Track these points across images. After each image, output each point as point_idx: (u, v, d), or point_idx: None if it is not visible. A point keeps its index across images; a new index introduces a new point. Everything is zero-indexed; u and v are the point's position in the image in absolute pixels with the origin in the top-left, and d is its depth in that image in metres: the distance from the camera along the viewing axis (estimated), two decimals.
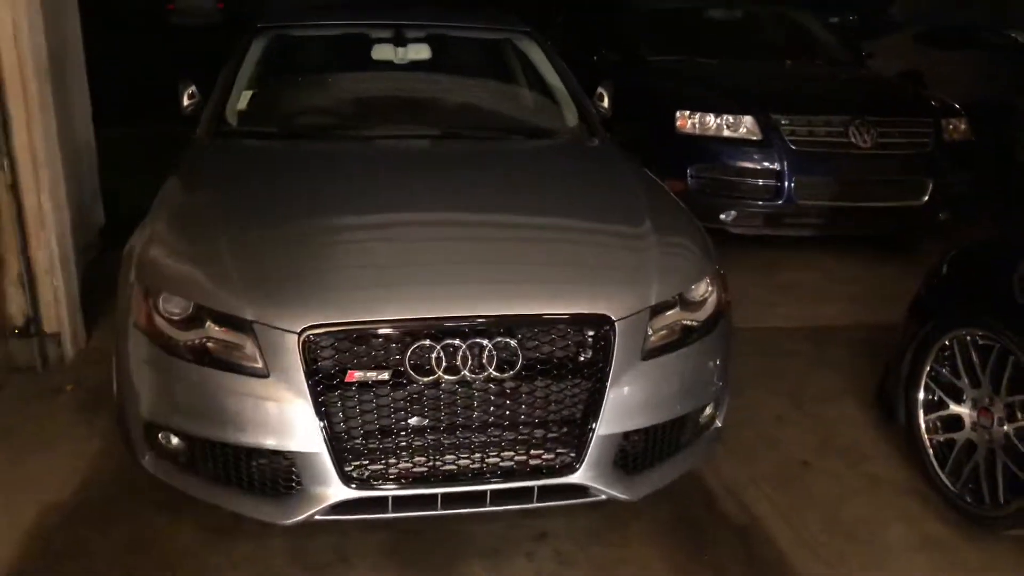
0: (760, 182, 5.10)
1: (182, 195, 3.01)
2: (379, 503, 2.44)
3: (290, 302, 2.41)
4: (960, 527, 2.98)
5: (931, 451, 3.19)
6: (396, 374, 2.38)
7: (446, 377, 2.37)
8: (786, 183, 5.05)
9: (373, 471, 2.42)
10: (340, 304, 2.40)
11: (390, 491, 2.43)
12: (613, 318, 2.48)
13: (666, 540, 2.88)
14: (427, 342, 2.37)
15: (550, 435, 2.49)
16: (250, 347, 2.38)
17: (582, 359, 2.47)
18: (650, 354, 2.55)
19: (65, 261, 3.79)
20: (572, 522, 2.91)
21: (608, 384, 2.46)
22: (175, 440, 2.54)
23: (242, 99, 3.67)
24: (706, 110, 5.21)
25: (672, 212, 3.11)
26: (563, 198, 3.14)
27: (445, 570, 2.71)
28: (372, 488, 2.41)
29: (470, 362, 2.37)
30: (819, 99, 5.37)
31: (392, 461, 2.43)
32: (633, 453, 2.60)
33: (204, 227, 2.75)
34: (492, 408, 2.44)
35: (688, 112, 5.23)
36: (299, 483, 2.43)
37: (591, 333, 2.47)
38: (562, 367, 2.46)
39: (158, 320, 2.48)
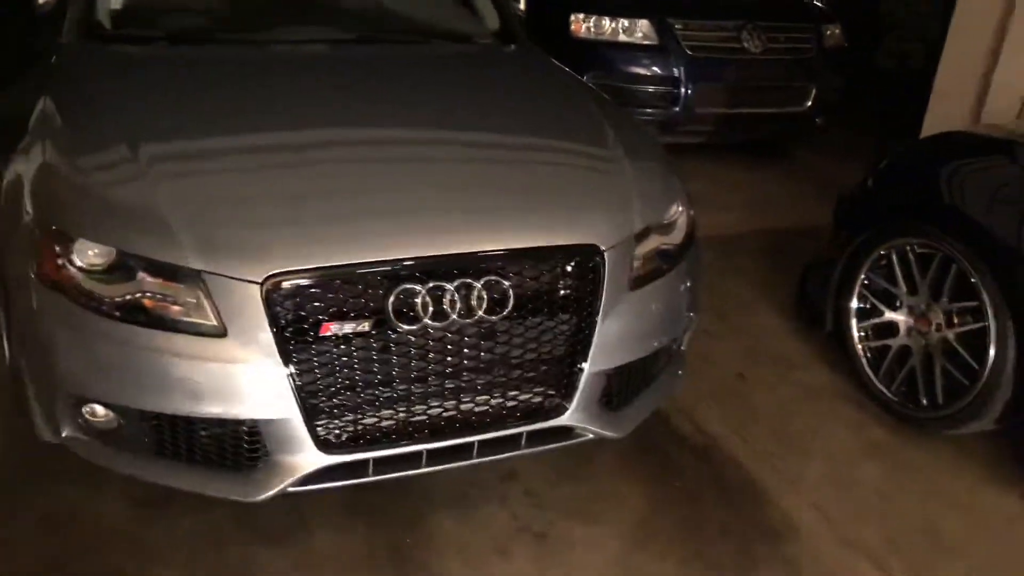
0: (658, 88, 4.99)
1: (70, 113, 2.46)
2: (358, 467, 2.17)
3: (248, 246, 2.04)
4: (899, 431, 3.09)
5: (864, 358, 3.27)
6: (377, 323, 2.09)
7: (432, 323, 2.11)
8: (683, 89, 4.96)
9: (350, 433, 2.15)
10: (310, 245, 2.06)
11: (371, 453, 2.16)
12: (602, 247, 2.29)
13: (635, 470, 2.81)
14: (413, 285, 2.08)
15: (538, 377, 2.30)
16: (200, 302, 2.01)
17: (571, 294, 2.28)
18: (636, 283, 2.39)
19: None
20: (537, 460, 2.76)
21: (598, 319, 2.29)
22: (102, 412, 2.14)
23: None
24: (601, 13, 4.99)
25: (632, 129, 2.91)
26: (520, 113, 2.85)
27: (415, 525, 2.51)
28: (351, 451, 2.14)
29: (458, 305, 2.12)
30: (711, 4, 5.28)
31: (371, 420, 2.16)
32: (617, 389, 2.46)
33: (114, 154, 2.27)
34: (478, 353, 2.21)
35: (583, 15, 5.00)
36: (266, 453, 2.11)
37: (580, 265, 2.28)
38: (552, 304, 2.26)
39: (73, 272, 2.04)
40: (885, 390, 3.18)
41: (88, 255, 2.04)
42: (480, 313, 2.14)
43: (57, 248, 2.05)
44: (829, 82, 5.41)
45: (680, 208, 2.61)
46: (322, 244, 2.07)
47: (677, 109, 5.02)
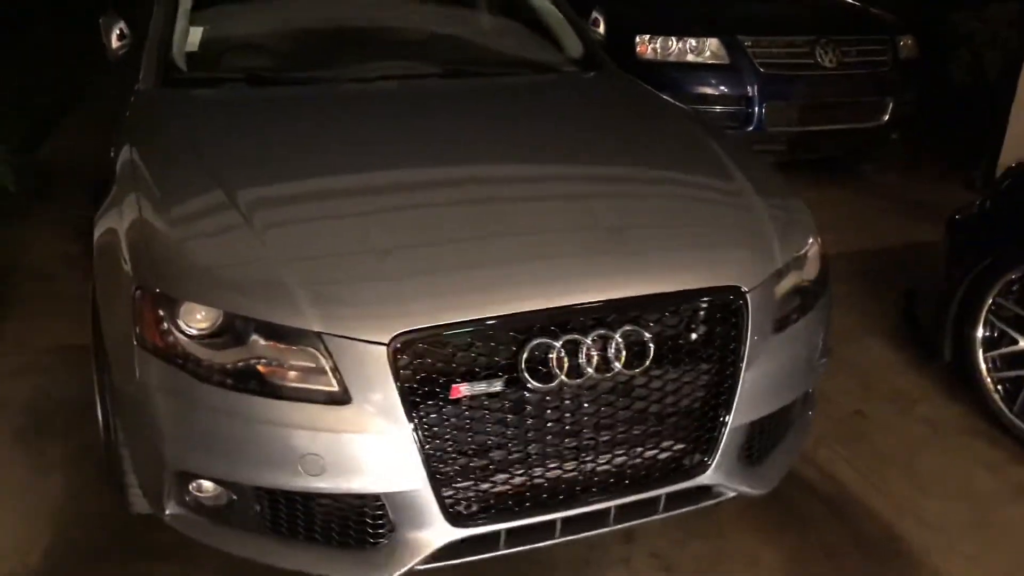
0: (729, 108, 4.79)
1: (158, 162, 2.31)
2: (489, 540, 1.98)
3: (371, 303, 1.86)
4: None
5: (996, 391, 3.03)
6: (509, 382, 1.90)
7: (568, 381, 1.91)
8: (756, 108, 4.76)
9: (481, 503, 1.95)
10: (437, 299, 1.87)
11: (503, 524, 1.96)
12: (744, 289, 2.08)
13: (762, 524, 2.58)
14: (547, 339, 1.89)
15: (678, 433, 2.09)
16: (319, 366, 1.83)
17: (715, 340, 2.07)
18: (778, 326, 2.18)
19: None
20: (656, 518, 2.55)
21: (743, 366, 2.08)
22: (211, 488, 1.96)
23: (190, 37, 2.92)
24: (668, 33, 4.81)
25: (749, 155, 2.71)
26: (631, 144, 2.67)
27: None
28: (482, 523, 1.94)
29: (595, 358, 1.92)
30: (781, 20, 5.09)
31: (503, 488, 1.96)
32: (758, 442, 2.25)
33: (212, 203, 2.11)
34: (615, 411, 2.01)
35: (649, 37, 4.82)
36: (391, 528, 1.92)
37: (723, 308, 2.07)
38: (693, 353, 2.06)
39: (178, 337, 1.87)
40: (1022, 423, 2.93)
41: (195, 318, 1.87)
42: (619, 367, 1.94)
43: (161, 312, 1.88)
44: (905, 95, 5.18)
45: (812, 240, 2.40)
46: (450, 298, 1.88)
47: (751, 128, 4.81)
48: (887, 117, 5.10)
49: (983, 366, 3.06)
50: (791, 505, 2.67)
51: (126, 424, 2.04)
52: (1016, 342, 2.97)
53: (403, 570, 1.91)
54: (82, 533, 2.43)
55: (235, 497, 1.94)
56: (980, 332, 3.06)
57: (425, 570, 1.96)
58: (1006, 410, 2.99)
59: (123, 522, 2.40)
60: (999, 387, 3.02)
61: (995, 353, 3.03)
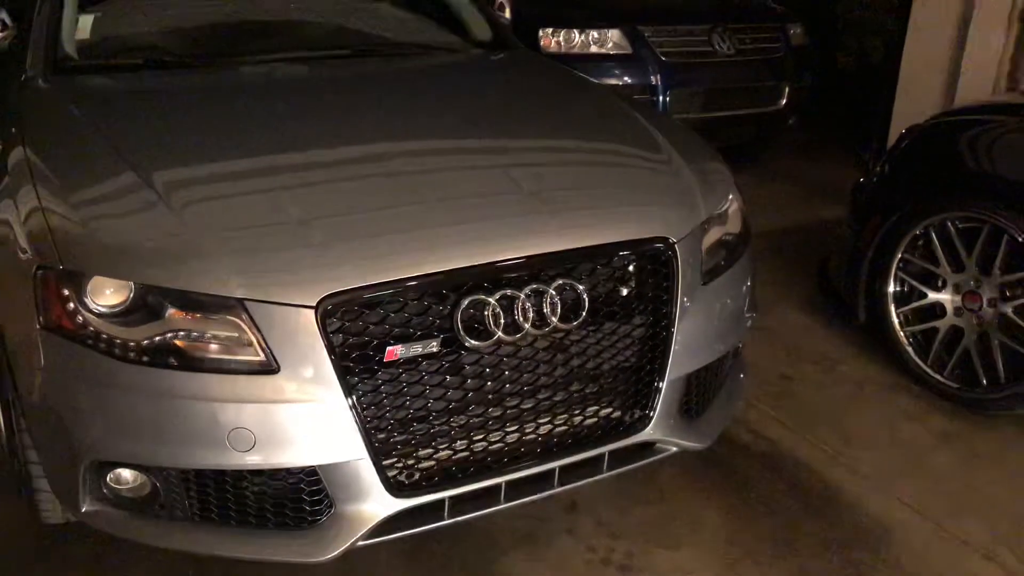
0: (635, 97, 4.84)
1: (57, 150, 2.16)
2: (433, 510, 1.90)
3: (296, 269, 1.77)
4: (962, 416, 2.93)
5: (909, 345, 3.12)
6: (445, 342, 1.84)
7: (505, 337, 1.86)
8: (660, 96, 4.84)
9: (423, 471, 1.88)
10: (365, 260, 1.80)
11: (446, 492, 1.89)
12: (672, 240, 2.08)
13: (703, 486, 2.58)
14: (481, 296, 1.84)
15: (617, 388, 2.07)
16: (244, 335, 1.73)
17: (647, 293, 2.06)
18: (706, 278, 2.19)
19: None
20: (597, 486, 2.51)
21: (676, 318, 2.07)
22: (129, 477, 1.83)
23: (80, 24, 2.76)
24: (570, 26, 4.85)
25: (668, 123, 2.73)
26: (550, 114, 2.65)
27: (485, 571, 2.23)
28: (425, 492, 1.87)
29: (531, 314, 1.88)
30: (679, 10, 5.19)
31: (445, 454, 1.89)
32: (696, 395, 2.24)
33: (124, 184, 1.98)
34: (554, 368, 1.97)
35: (552, 30, 4.85)
36: (330, 504, 1.83)
37: (653, 259, 2.06)
38: (627, 306, 2.04)
39: (87, 316, 1.74)
40: (939, 376, 3.02)
41: (105, 294, 1.75)
42: (555, 321, 1.90)
43: (66, 291, 1.75)
44: (800, 81, 5.36)
45: (732, 197, 2.43)
46: (380, 258, 1.81)
47: None
48: (784, 101, 5.26)
49: (896, 321, 3.15)
50: (729, 466, 2.67)
51: (32, 421, 1.88)
52: (925, 296, 3.07)
53: (345, 547, 1.82)
54: None
55: (158, 484, 1.81)
56: (891, 288, 3.15)
57: (368, 545, 1.87)
58: (920, 363, 3.08)
59: (38, 534, 2.23)
60: (912, 341, 3.11)
61: (906, 308, 3.12)
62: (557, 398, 2.00)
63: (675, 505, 2.50)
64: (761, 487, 2.59)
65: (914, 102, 5.16)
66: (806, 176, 5.64)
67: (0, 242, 1.99)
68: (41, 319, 1.77)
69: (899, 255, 3.11)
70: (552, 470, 2.01)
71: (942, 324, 3.03)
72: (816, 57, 5.66)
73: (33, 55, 2.62)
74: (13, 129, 2.32)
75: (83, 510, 1.85)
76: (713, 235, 2.26)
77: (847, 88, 6.21)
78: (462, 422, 1.89)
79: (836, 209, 4.45)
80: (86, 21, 2.79)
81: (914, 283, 3.10)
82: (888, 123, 5.41)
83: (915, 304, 3.10)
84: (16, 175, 2.09)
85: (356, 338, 1.77)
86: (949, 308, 3.02)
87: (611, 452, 2.08)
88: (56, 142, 2.22)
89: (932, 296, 3.05)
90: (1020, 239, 2.73)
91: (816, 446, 2.78)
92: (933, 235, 3.00)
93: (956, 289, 3.00)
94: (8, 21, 2.76)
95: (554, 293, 1.90)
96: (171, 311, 1.74)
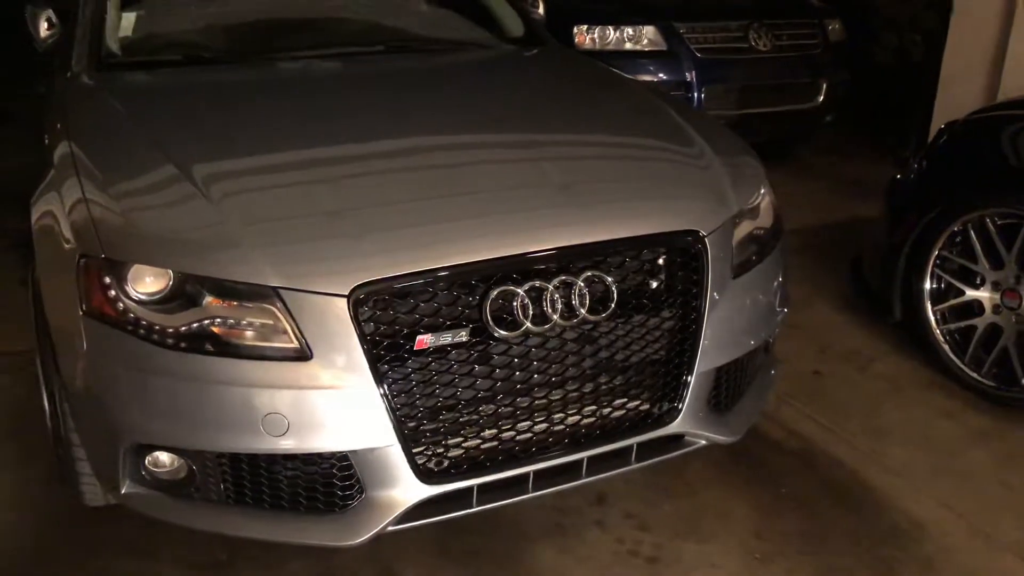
0: (670, 94, 4.84)
1: (101, 144, 2.22)
2: (461, 497, 1.93)
3: (329, 259, 1.81)
4: (998, 415, 2.89)
5: (946, 343, 3.08)
6: (474, 332, 1.87)
7: (533, 328, 1.88)
8: (695, 93, 4.82)
9: (452, 458, 1.91)
10: (397, 250, 1.83)
11: (475, 480, 1.92)
12: (702, 233, 2.09)
13: (732, 480, 2.58)
14: (510, 287, 1.86)
15: (646, 381, 2.08)
16: (278, 323, 1.77)
17: (676, 285, 2.07)
18: (737, 271, 2.19)
19: None
20: (626, 480, 2.53)
21: (705, 311, 2.08)
22: (167, 460, 1.88)
23: (123, 22, 2.84)
24: (604, 23, 4.85)
25: (701, 118, 2.74)
26: (583, 109, 2.67)
27: (515, 562, 2.25)
28: (453, 479, 1.90)
29: (559, 305, 1.90)
30: (715, 6, 5.17)
31: (473, 442, 1.92)
32: (725, 389, 2.24)
33: (164, 177, 2.03)
34: (582, 359, 1.99)
35: (586, 27, 4.86)
36: (360, 489, 1.86)
37: (683, 252, 2.07)
38: (656, 298, 2.05)
39: (128, 303, 1.80)
40: (975, 374, 2.99)
41: (145, 282, 1.80)
42: (583, 313, 1.92)
43: (108, 279, 1.81)
44: (837, 77, 5.30)
45: (764, 191, 2.42)
46: (411, 249, 1.84)
47: None
48: (821, 98, 5.21)
49: (932, 319, 3.11)
50: (759, 461, 2.67)
51: (75, 406, 1.94)
52: (963, 293, 3.03)
53: (375, 531, 1.85)
54: (32, 534, 2.31)
55: (195, 467, 1.86)
56: (928, 285, 3.11)
57: (397, 531, 1.90)
58: (957, 360, 3.04)
59: (77, 520, 2.30)
60: (949, 339, 3.07)
61: (943, 306, 3.08)
62: (585, 389, 2.01)
63: (704, 499, 2.50)
64: (792, 483, 2.58)
65: (956, 98, 5.08)
66: (840, 172, 5.58)
67: (45, 232, 2.06)
68: (84, 306, 1.83)
69: (936, 252, 3.08)
70: (580, 460, 2.03)
71: (980, 322, 2.99)
72: (854, 54, 5.60)
73: (78, 52, 2.70)
74: (59, 124, 2.40)
75: (123, 492, 1.91)
76: (744, 229, 2.26)
77: (883, 84, 6.12)
78: (490, 411, 1.92)
79: (870, 206, 4.39)
80: (129, 19, 2.87)
81: (951, 280, 3.06)
82: (929, 119, 5.34)
83: (952, 301, 3.06)
84: (61, 168, 2.16)
85: (387, 327, 1.80)
86: (987, 306, 2.98)
87: (640, 444, 2.09)
88: (99, 136, 2.29)
89: (970, 293, 3.02)
90: None
91: (849, 443, 2.76)
92: (972, 232, 2.97)
93: (995, 287, 2.96)
94: (54, 19, 2.85)
95: (583, 285, 1.92)
96: (208, 299, 1.79)
